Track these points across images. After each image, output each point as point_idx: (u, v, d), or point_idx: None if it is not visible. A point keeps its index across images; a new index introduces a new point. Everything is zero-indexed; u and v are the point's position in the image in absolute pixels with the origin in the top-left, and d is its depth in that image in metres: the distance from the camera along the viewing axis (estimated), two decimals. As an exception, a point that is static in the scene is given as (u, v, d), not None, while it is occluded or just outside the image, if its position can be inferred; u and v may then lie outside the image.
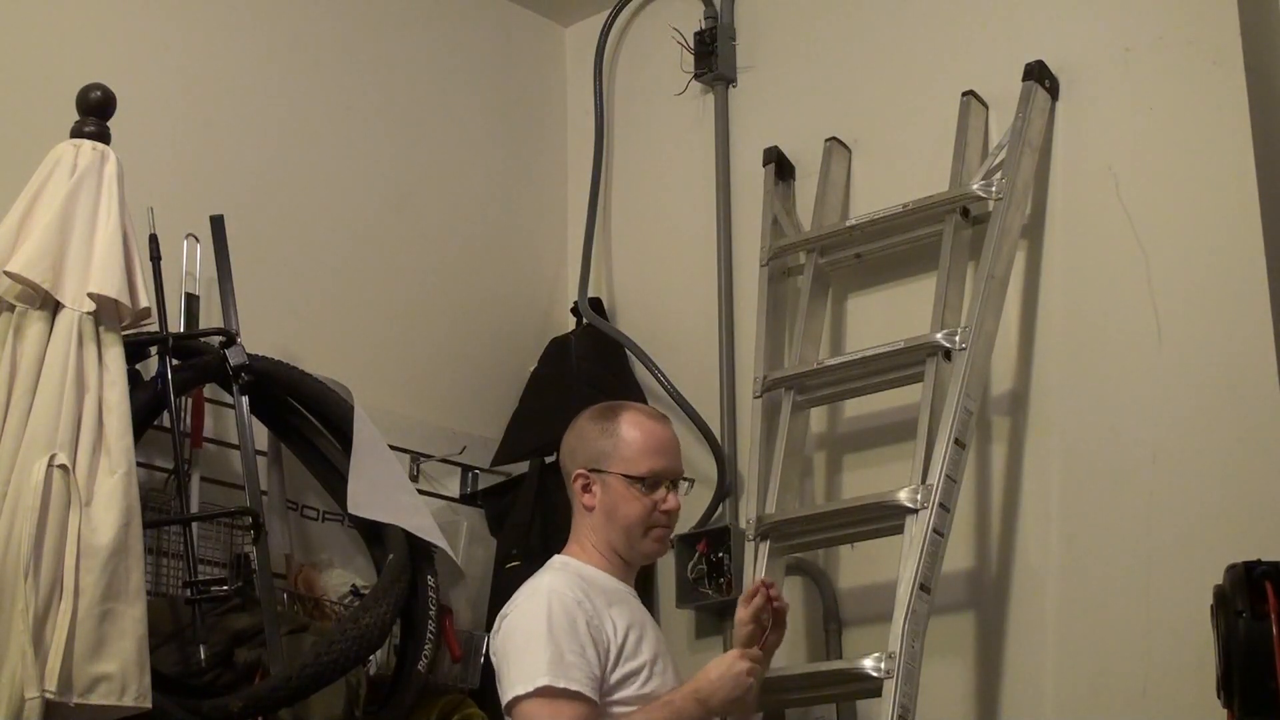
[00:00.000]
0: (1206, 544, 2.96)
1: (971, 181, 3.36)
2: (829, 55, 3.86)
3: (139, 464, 2.88)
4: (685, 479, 2.92)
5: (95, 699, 2.62)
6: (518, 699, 2.60)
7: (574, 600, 2.67)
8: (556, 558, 2.85)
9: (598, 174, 4.18)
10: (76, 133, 2.94)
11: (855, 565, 3.49)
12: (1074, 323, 3.32)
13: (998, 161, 3.35)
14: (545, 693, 2.58)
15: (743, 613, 2.79)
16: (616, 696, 2.66)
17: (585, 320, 3.99)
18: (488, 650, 3.29)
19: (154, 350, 3.16)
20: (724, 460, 3.71)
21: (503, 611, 2.75)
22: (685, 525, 3.65)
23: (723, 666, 2.68)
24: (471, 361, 3.99)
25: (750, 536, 3.28)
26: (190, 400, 3.26)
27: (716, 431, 3.74)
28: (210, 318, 3.34)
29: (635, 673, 2.69)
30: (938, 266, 3.34)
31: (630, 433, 2.81)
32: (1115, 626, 3.11)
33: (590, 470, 2.81)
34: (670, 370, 3.83)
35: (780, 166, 3.79)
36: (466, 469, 3.83)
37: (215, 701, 2.93)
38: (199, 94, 3.59)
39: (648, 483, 2.78)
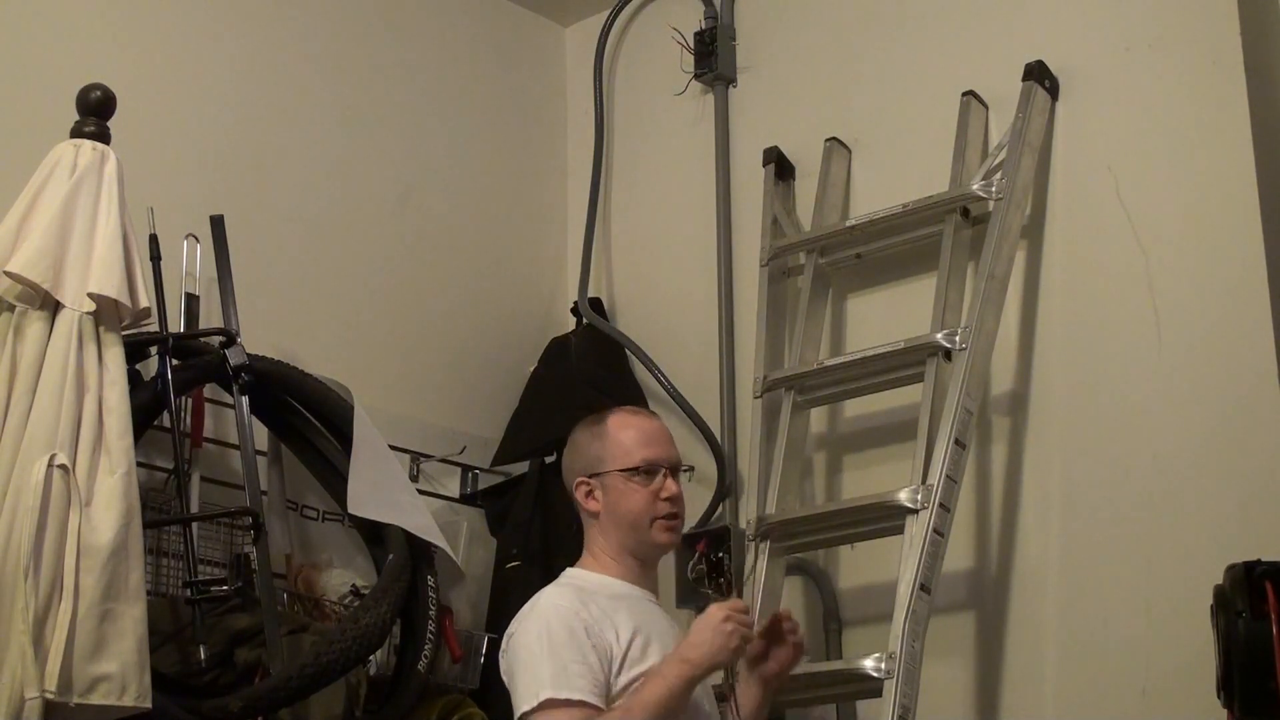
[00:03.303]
0: (1206, 544, 2.96)
1: (971, 181, 3.36)
2: (829, 55, 3.86)
3: (139, 464, 2.88)
4: (685, 468, 2.95)
5: (95, 699, 2.62)
6: (524, 715, 2.62)
7: (571, 610, 2.68)
8: (566, 570, 2.86)
9: (598, 174, 4.18)
10: (76, 133, 2.93)
11: (855, 565, 3.49)
12: (1074, 323, 3.32)
13: (998, 161, 3.35)
14: (549, 704, 2.59)
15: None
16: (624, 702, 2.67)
17: (585, 320, 3.99)
18: (488, 651, 3.32)
19: (154, 350, 3.16)
20: (724, 460, 3.71)
21: (508, 631, 2.76)
22: (685, 525, 3.65)
23: (703, 625, 2.65)
24: (471, 361, 3.99)
25: (750, 536, 3.28)
26: (190, 400, 3.26)
27: (716, 431, 3.74)
28: (210, 318, 3.34)
29: (643, 676, 2.70)
30: (938, 266, 3.34)
31: (619, 431, 2.86)
32: (1115, 626, 3.11)
33: (590, 476, 2.84)
34: (670, 370, 3.83)
35: (780, 166, 3.79)
36: (466, 469, 3.83)
37: (215, 701, 2.93)
38: (199, 94, 3.59)
39: (643, 472, 2.81)
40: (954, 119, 3.48)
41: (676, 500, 2.85)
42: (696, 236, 3.96)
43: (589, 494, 2.85)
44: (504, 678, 2.75)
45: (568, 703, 2.59)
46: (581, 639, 2.65)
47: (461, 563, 3.48)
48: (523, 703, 2.63)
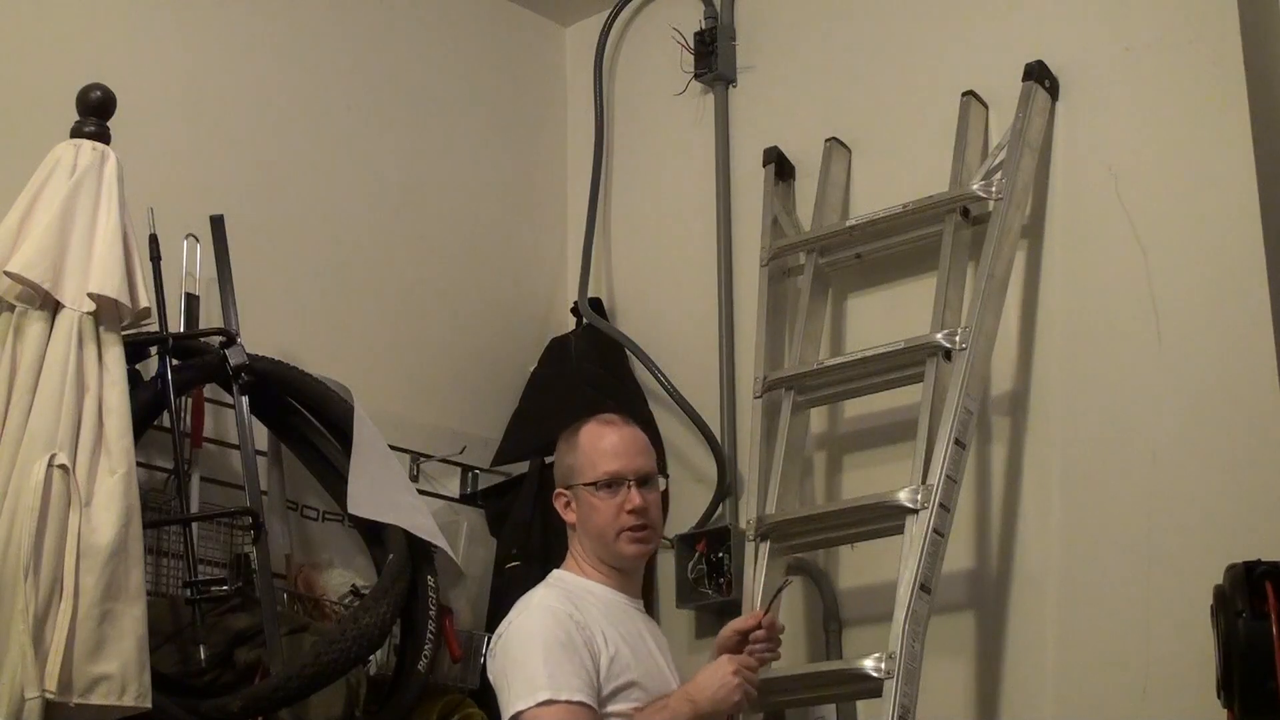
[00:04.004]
0: (1206, 544, 2.96)
1: (971, 181, 3.36)
2: (829, 55, 3.86)
3: (139, 464, 2.88)
4: (663, 475, 2.98)
5: (95, 699, 2.62)
6: (519, 713, 2.64)
7: (565, 612, 2.72)
8: (553, 573, 2.91)
9: (598, 174, 4.18)
10: (76, 133, 2.93)
11: (855, 565, 3.49)
12: (1074, 323, 3.32)
13: (998, 161, 3.35)
14: (547, 705, 2.61)
15: (736, 626, 2.91)
16: (611, 709, 2.68)
17: (585, 320, 3.99)
18: (488, 651, 3.31)
19: (154, 350, 3.16)
20: (724, 460, 3.71)
21: (497, 631, 2.80)
22: (685, 525, 3.66)
23: (712, 672, 2.77)
24: (471, 361, 3.99)
25: (750, 537, 3.28)
26: (190, 400, 3.26)
27: (716, 431, 3.74)
28: (210, 318, 3.34)
29: (630, 685, 2.72)
30: (938, 266, 3.33)
31: (586, 443, 2.92)
32: (1115, 626, 3.11)
33: (565, 488, 2.92)
34: (670, 370, 3.83)
35: (780, 166, 3.79)
36: (466, 469, 3.83)
37: (215, 701, 2.93)
38: (199, 94, 3.59)
39: (605, 485, 2.85)
40: (954, 119, 3.48)
41: (642, 512, 2.87)
42: (696, 236, 3.96)
43: (566, 505, 2.92)
44: (492, 676, 2.76)
45: (568, 704, 2.60)
46: (576, 641, 2.67)
47: (461, 563, 3.48)
48: (517, 701, 2.64)
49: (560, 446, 2.97)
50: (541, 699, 2.62)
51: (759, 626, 2.90)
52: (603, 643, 2.72)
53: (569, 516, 2.91)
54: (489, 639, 3.30)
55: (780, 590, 3.03)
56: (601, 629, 2.73)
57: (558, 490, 2.93)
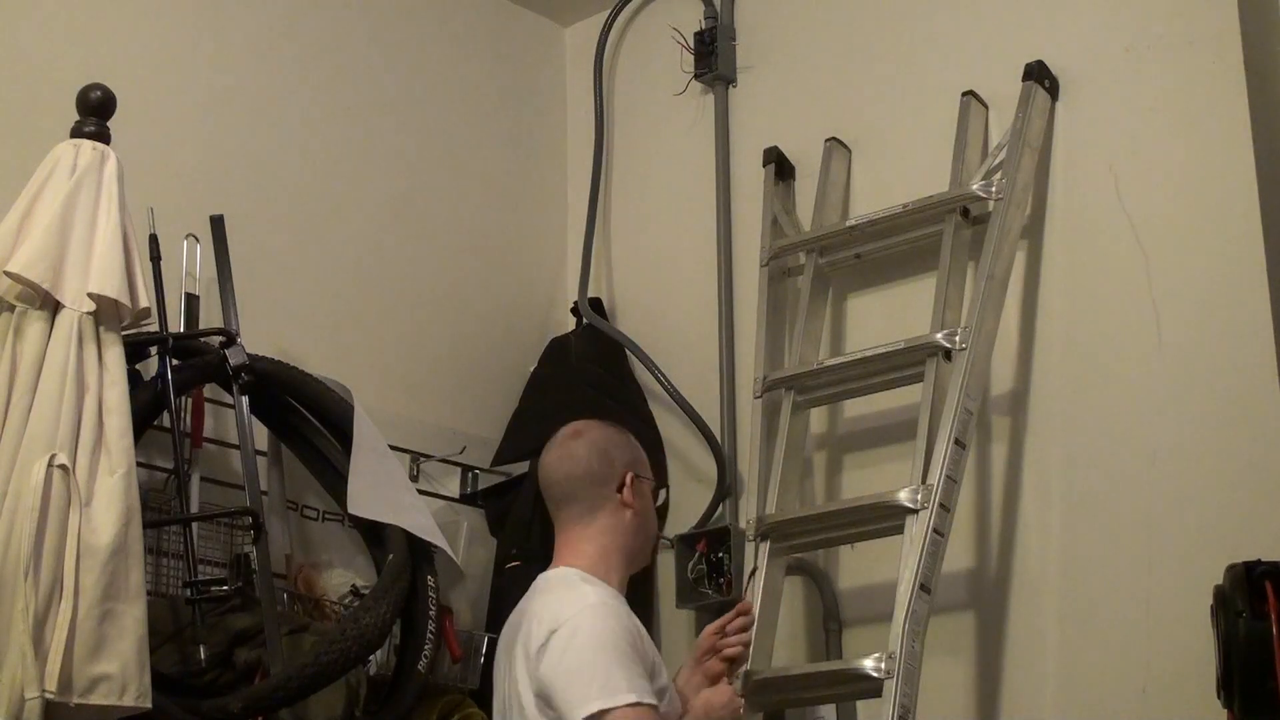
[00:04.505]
0: (1206, 544, 2.96)
1: (971, 181, 3.36)
2: (829, 55, 3.86)
3: (139, 464, 2.88)
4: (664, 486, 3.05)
5: (95, 699, 2.62)
6: (605, 711, 2.57)
7: (626, 613, 2.71)
8: (574, 571, 2.81)
9: (598, 174, 4.18)
10: (76, 133, 2.93)
11: (855, 565, 3.50)
12: (1074, 323, 3.32)
13: (998, 161, 3.35)
14: (634, 707, 2.56)
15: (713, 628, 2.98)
16: None
17: (585, 320, 3.99)
18: (487, 651, 3.31)
19: (154, 350, 3.16)
20: (724, 460, 3.71)
21: (552, 624, 2.68)
22: (685, 525, 3.66)
23: (723, 701, 2.87)
24: (471, 361, 3.99)
25: (750, 537, 3.28)
26: (190, 400, 3.26)
27: (716, 432, 3.74)
28: (210, 318, 3.34)
29: (663, 690, 2.71)
30: (938, 266, 3.34)
31: (637, 445, 2.92)
32: (1115, 626, 3.11)
33: (634, 475, 2.85)
34: (670, 370, 3.83)
35: (780, 166, 3.79)
36: (466, 469, 3.83)
37: (215, 701, 2.93)
38: (199, 94, 3.59)
39: (656, 490, 2.86)
40: (954, 119, 3.48)
41: None
42: (696, 236, 3.96)
43: (630, 489, 2.83)
44: (550, 670, 2.65)
45: (651, 708, 2.59)
46: (639, 644, 2.68)
47: (461, 563, 3.47)
48: (593, 700, 2.57)
49: (616, 435, 2.90)
50: (629, 700, 2.56)
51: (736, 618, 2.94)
52: (648, 648, 2.73)
53: (627, 498, 2.82)
54: (489, 639, 3.32)
55: (751, 575, 3.09)
56: (642, 632, 2.75)
57: (630, 472, 2.83)
